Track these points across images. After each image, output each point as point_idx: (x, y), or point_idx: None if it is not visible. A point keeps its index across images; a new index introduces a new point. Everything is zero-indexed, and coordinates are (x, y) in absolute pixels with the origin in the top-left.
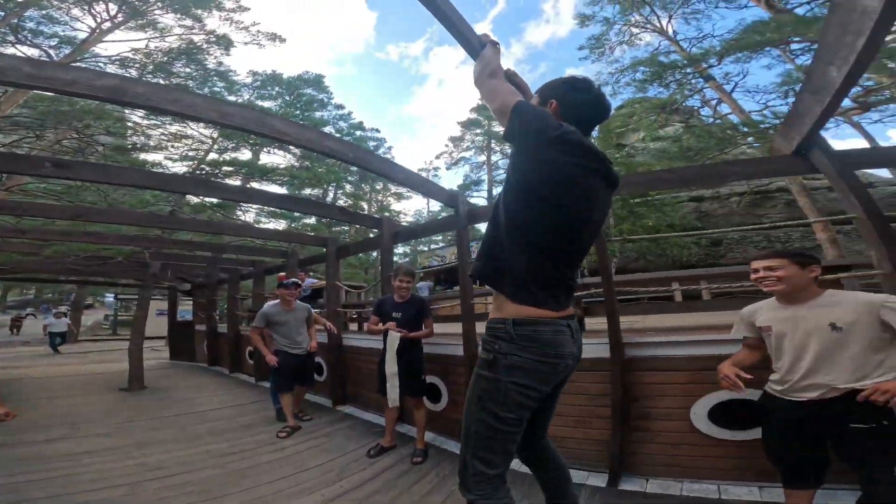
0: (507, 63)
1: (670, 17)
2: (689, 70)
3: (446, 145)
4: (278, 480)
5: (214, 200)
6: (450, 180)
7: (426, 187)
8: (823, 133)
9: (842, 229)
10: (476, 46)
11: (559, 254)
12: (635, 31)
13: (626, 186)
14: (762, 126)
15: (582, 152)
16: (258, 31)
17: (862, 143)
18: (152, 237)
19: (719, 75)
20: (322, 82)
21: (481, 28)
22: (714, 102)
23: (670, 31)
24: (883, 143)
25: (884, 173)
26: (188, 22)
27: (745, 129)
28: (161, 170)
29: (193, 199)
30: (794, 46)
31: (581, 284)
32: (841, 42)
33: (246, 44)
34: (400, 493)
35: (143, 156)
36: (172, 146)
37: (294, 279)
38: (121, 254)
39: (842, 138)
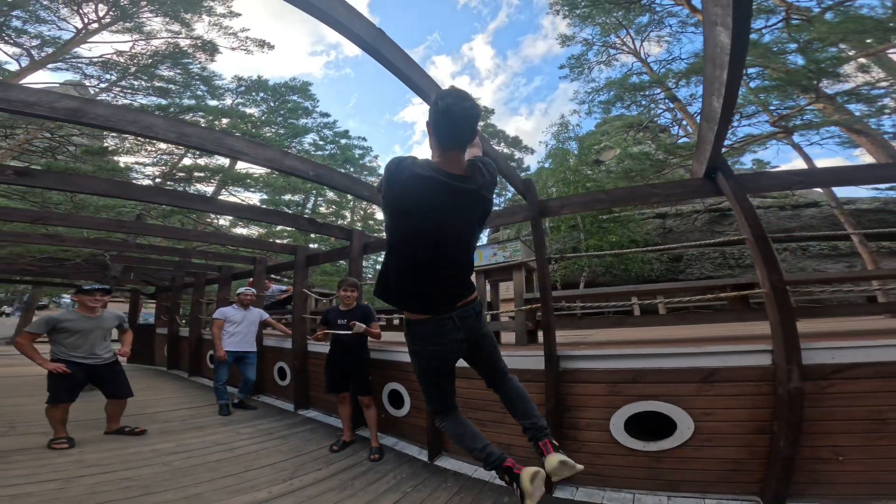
0: (505, 74)
1: (643, 40)
2: (656, 91)
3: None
4: (223, 478)
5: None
6: None
7: None
8: (749, 158)
9: (788, 246)
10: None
11: (416, 270)
12: (612, 51)
13: (568, 206)
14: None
15: (410, 185)
16: (246, 38)
17: (801, 164)
18: (116, 240)
19: (685, 95)
20: (308, 90)
21: (480, 39)
22: (683, 122)
23: (642, 54)
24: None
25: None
26: (175, 26)
27: (677, 153)
28: (132, 174)
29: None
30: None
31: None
32: (713, 75)
33: (233, 49)
34: (354, 492)
35: (115, 158)
36: (146, 150)
37: (101, 285)
38: (79, 256)
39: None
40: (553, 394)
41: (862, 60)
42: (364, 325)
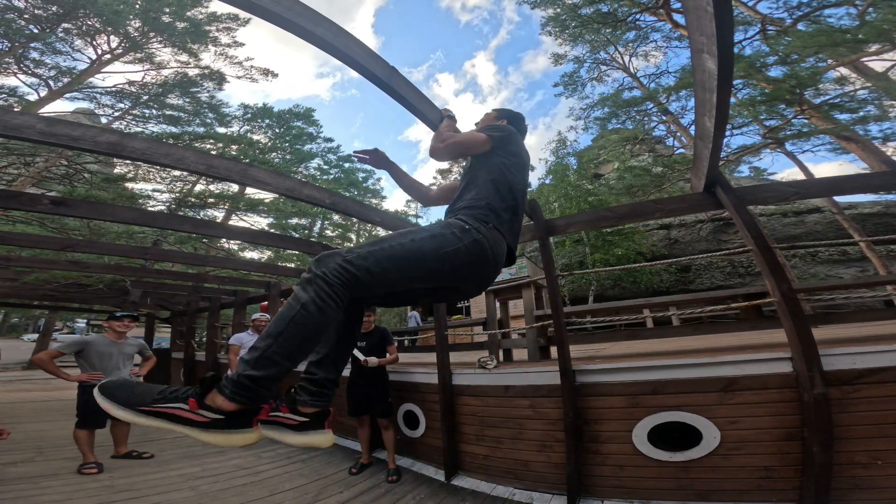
0: (508, 90)
1: (631, 56)
2: (649, 105)
3: (434, 177)
4: (251, 502)
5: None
6: (437, 212)
7: (402, 228)
8: (744, 167)
9: (797, 252)
10: (435, 122)
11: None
12: (603, 67)
13: (573, 224)
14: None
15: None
16: (251, 67)
17: (798, 174)
18: (136, 266)
19: (677, 108)
20: (311, 116)
21: (482, 57)
22: (677, 133)
23: (632, 69)
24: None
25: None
26: (184, 57)
27: (675, 167)
28: (149, 199)
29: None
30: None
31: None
32: (704, 97)
33: (239, 78)
34: None
35: (130, 185)
36: (161, 177)
37: (129, 313)
38: (101, 281)
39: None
40: (571, 408)
41: (840, 72)
42: (377, 360)
